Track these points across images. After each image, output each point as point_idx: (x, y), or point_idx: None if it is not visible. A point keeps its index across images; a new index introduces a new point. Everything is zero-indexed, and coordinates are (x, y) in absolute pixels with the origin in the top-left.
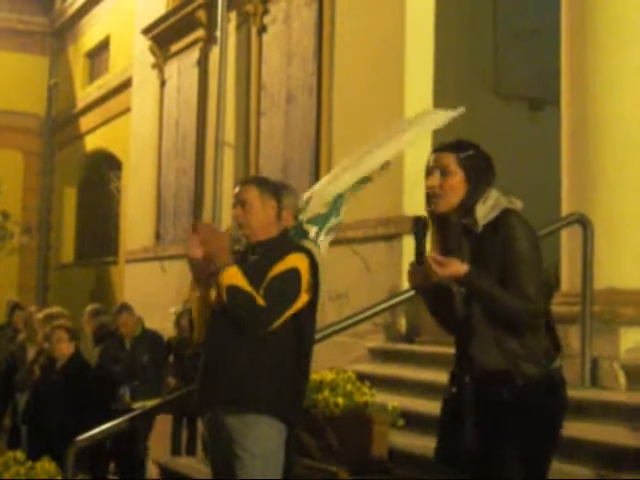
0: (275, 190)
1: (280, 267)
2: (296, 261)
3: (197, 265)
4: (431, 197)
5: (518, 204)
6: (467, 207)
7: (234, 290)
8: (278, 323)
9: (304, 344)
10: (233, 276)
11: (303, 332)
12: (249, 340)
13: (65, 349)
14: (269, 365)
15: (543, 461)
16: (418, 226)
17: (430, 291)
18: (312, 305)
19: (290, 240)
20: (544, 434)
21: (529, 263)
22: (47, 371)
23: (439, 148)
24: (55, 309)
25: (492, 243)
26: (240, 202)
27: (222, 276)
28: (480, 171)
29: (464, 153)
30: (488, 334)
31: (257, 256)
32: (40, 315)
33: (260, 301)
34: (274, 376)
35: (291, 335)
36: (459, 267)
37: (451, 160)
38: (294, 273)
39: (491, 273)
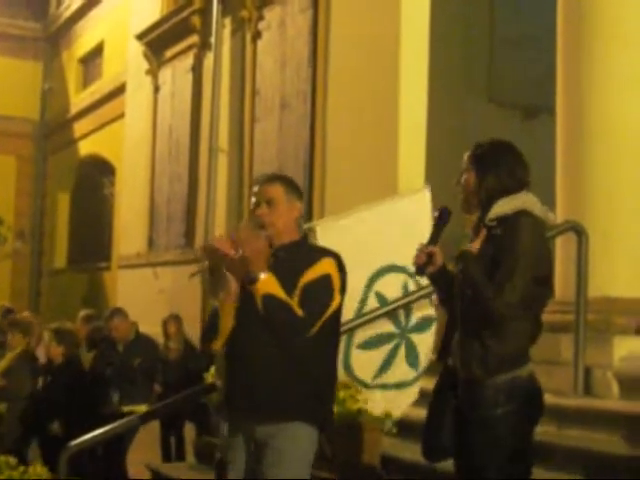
0: (300, 191)
1: (312, 274)
2: (327, 267)
3: (231, 265)
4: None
5: (552, 218)
6: (484, 199)
7: (271, 299)
8: (314, 330)
9: (334, 348)
10: (270, 284)
11: (334, 335)
12: (285, 347)
13: (53, 352)
14: (305, 372)
15: (512, 468)
16: (444, 214)
17: (440, 277)
18: (339, 309)
19: (312, 244)
20: (506, 442)
21: (521, 267)
22: (46, 372)
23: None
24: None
25: (497, 237)
26: (266, 200)
27: (258, 284)
28: (489, 166)
29: (475, 151)
30: (465, 329)
31: (281, 260)
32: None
33: (298, 311)
34: (315, 382)
35: (327, 338)
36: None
37: (467, 158)
38: (327, 280)
39: (486, 264)
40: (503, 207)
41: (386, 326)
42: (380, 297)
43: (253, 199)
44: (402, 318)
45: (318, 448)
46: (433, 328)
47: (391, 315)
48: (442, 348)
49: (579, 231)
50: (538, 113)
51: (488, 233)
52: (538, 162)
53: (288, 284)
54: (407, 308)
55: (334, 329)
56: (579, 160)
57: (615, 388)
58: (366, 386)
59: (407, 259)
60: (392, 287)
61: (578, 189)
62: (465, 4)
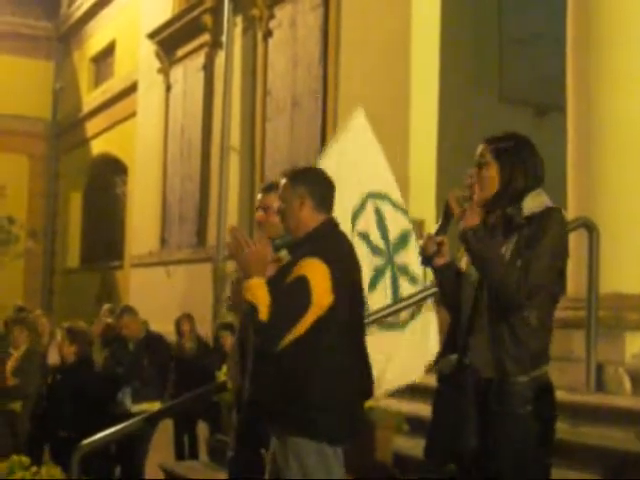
0: (308, 181)
1: (293, 274)
2: (306, 268)
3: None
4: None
5: (564, 214)
6: (510, 196)
7: (250, 305)
8: (288, 339)
9: (340, 351)
10: (252, 289)
11: (334, 340)
12: (277, 357)
13: (66, 351)
14: (298, 383)
15: (538, 467)
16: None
17: (445, 270)
18: (341, 306)
19: (315, 239)
20: (535, 441)
21: (546, 256)
22: (57, 372)
23: (486, 139)
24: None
25: (530, 233)
26: (263, 208)
27: (244, 288)
28: (516, 163)
29: (498, 144)
30: (486, 330)
31: (291, 256)
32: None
33: (263, 317)
34: (315, 395)
35: (318, 347)
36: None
37: (487, 151)
38: (301, 283)
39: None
40: (532, 206)
41: (374, 261)
42: (363, 237)
43: (264, 204)
44: (382, 245)
45: None
46: (413, 239)
47: (373, 249)
48: (446, 347)
49: (590, 227)
50: (548, 111)
51: (508, 230)
52: (549, 159)
53: (280, 285)
54: (383, 230)
55: (331, 333)
56: (590, 157)
57: (627, 384)
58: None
59: (370, 183)
60: (369, 219)
61: (589, 186)
62: (475, 3)
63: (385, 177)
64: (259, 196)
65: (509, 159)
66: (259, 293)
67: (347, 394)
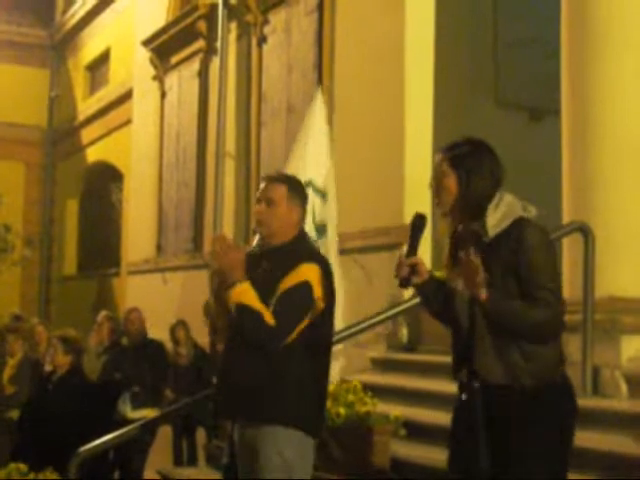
0: (304, 196)
1: (291, 279)
2: (306, 273)
3: (218, 275)
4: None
5: (532, 211)
6: (472, 210)
7: (242, 309)
8: (291, 338)
9: (321, 351)
10: (242, 293)
11: (320, 340)
12: (266, 352)
13: (60, 360)
14: (287, 375)
15: (559, 471)
16: (420, 221)
17: (427, 287)
18: (328, 312)
19: (303, 245)
20: (555, 445)
21: (547, 271)
22: (44, 382)
23: (442, 149)
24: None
25: (504, 251)
26: (266, 199)
27: (231, 293)
28: (473, 170)
29: (453, 152)
30: (490, 343)
31: (269, 263)
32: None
33: (269, 320)
34: (293, 386)
35: (308, 344)
36: (482, 292)
37: (443, 161)
38: (305, 287)
39: (497, 282)
40: (501, 219)
41: None
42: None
43: (257, 194)
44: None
45: (328, 452)
46: (329, 229)
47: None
48: (457, 363)
49: (586, 231)
50: (544, 114)
51: (481, 244)
52: (544, 163)
53: (268, 290)
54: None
55: (320, 335)
56: (585, 161)
57: (623, 387)
58: None
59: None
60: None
61: (584, 190)
62: (470, 7)
63: (320, 161)
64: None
65: (465, 165)
66: (251, 298)
67: (325, 390)
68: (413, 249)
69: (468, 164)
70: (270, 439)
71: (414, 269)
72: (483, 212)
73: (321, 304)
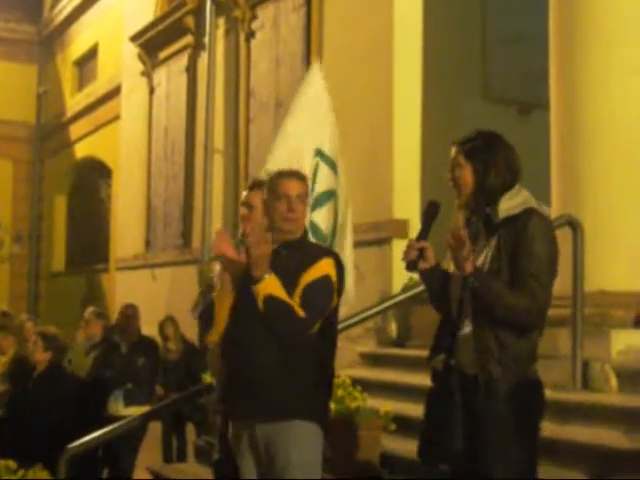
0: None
1: (313, 273)
2: (327, 267)
3: (233, 265)
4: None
5: (546, 210)
6: (487, 195)
7: (272, 300)
8: (314, 330)
9: (332, 344)
10: (271, 285)
11: (332, 333)
12: (283, 346)
13: (39, 356)
14: (304, 369)
15: (526, 464)
16: (433, 208)
17: (431, 274)
18: (337, 307)
19: (312, 242)
20: (521, 437)
21: (542, 262)
22: (25, 378)
23: (457, 142)
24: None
25: (508, 237)
26: (301, 198)
27: (260, 285)
28: (488, 163)
29: (469, 144)
30: (473, 334)
31: (282, 258)
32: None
33: (299, 312)
34: (309, 379)
35: (322, 336)
36: (467, 265)
37: (459, 153)
38: (328, 280)
39: (501, 267)
40: (509, 206)
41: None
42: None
43: (294, 193)
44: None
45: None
46: (332, 200)
47: None
48: (434, 348)
49: (574, 225)
50: (532, 109)
51: (489, 232)
52: (533, 157)
53: (288, 282)
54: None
55: (331, 327)
56: (573, 155)
57: (613, 381)
58: None
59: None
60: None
61: (573, 183)
62: (458, 1)
63: (327, 130)
64: (244, 193)
65: (481, 158)
66: (279, 290)
67: (332, 380)
68: (424, 234)
69: (483, 156)
70: (290, 436)
71: (422, 254)
72: (497, 200)
73: (336, 299)
